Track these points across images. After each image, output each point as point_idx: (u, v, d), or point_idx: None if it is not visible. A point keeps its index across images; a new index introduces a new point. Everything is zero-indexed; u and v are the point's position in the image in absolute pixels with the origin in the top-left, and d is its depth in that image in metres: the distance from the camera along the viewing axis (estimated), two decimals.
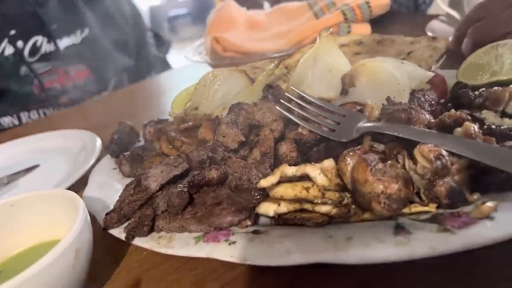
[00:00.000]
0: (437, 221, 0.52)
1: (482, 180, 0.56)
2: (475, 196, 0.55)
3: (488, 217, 0.50)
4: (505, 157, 0.52)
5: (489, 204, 0.51)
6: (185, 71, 2.03)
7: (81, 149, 1.20)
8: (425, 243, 0.49)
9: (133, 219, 0.67)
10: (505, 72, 0.77)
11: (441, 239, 0.49)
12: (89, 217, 0.65)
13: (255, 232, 0.61)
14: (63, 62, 2.08)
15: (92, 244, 0.64)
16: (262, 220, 0.67)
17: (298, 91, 0.81)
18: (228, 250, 0.58)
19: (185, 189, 0.64)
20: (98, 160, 1.05)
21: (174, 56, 2.98)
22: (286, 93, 0.82)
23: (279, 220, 0.63)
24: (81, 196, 0.68)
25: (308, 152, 0.74)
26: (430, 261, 0.49)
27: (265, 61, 1.13)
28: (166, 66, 2.63)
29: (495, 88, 0.70)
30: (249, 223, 0.63)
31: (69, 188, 0.86)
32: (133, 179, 0.74)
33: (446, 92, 0.80)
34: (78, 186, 0.94)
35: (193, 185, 0.64)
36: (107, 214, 0.69)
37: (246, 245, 0.58)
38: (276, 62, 0.92)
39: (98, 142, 1.17)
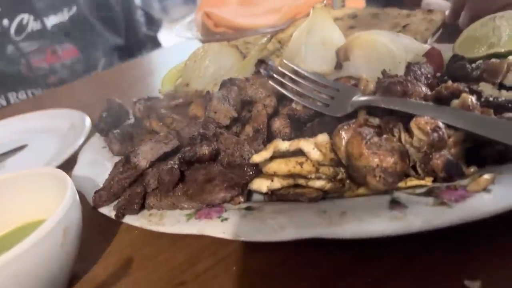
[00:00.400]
0: (433, 195, 0.51)
1: (479, 153, 0.55)
2: (472, 169, 0.54)
3: (485, 189, 0.49)
4: (502, 128, 0.51)
5: (486, 176, 0.50)
6: (176, 49, 1.99)
7: (70, 129, 1.17)
8: (420, 216, 0.48)
9: (123, 197, 0.66)
10: (502, 44, 0.75)
11: (437, 213, 0.48)
12: (77, 196, 0.63)
13: (248, 208, 0.60)
14: (50, 41, 2.03)
15: (81, 223, 0.62)
16: (256, 197, 0.66)
17: (292, 66, 0.79)
18: (220, 227, 0.56)
19: (176, 166, 0.62)
20: (87, 139, 1.03)
21: (165, 35, 2.92)
22: (279, 68, 0.80)
23: (273, 196, 0.62)
24: (70, 176, 0.66)
25: (302, 128, 0.73)
26: (426, 236, 0.48)
27: (258, 36, 1.11)
28: (157, 45, 2.58)
29: (493, 60, 0.68)
30: (242, 200, 0.62)
31: (58, 168, 0.84)
32: (123, 157, 0.72)
33: (442, 65, 0.78)
34: (67, 165, 0.92)
35: (184, 162, 0.62)
36: (96, 192, 0.68)
37: (239, 221, 0.56)
38: (268, 36, 0.89)
39: (88, 121, 1.14)
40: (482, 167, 0.54)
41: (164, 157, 0.69)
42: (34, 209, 0.68)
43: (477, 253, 0.51)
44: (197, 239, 0.63)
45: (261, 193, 0.63)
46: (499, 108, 0.57)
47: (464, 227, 0.47)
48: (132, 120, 1.00)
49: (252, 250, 0.60)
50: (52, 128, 1.23)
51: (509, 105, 0.58)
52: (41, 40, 1.98)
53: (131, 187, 0.67)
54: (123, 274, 0.63)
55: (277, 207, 0.58)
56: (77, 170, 0.84)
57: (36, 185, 0.69)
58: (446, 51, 0.83)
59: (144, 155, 0.66)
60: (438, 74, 0.77)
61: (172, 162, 0.63)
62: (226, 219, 0.58)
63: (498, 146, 0.53)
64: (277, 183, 0.60)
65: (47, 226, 0.54)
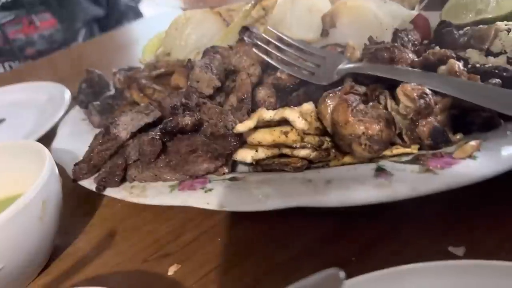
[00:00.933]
0: (419, 162, 0.50)
1: (465, 120, 0.54)
2: (458, 136, 0.53)
3: (471, 156, 0.48)
4: (489, 94, 0.50)
5: (472, 143, 0.49)
6: (157, 19, 1.93)
7: (48, 102, 1.14)
8: (406, 184, 0.47)
9: (103, 169, 0.64)
10: (490, 10, 0.74)
11: (423, 180, 0.47)
12: (56, 168, 0.61)
13: (232, 179, 0.59)
14: (27, 11, 1.95)
15: (61, 196, 0.61)
16: (240, 167, 0.65)
17: (277, 33, 0.77)
18: (204, 198, 0.55)
19: (157, 137, 0.60)
20: (67, 112, 1.00)
21: (147, 6, 2.83)
22: (263, 35, 0.78)
23: (258, 167, 0.61)
24: (50, 150, 0.64)
25: (287, 97, 0.71)
26: (412, 203, 0.48)
27: (241, 2, 1.07)
28: (138, 15, 2.51)
29: (480, 26, 0.67)
30: (226, 170, 0.61)
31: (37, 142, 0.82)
32: (102, 128, 0.70)
33: (429, 33, 0.77)
34: (47, 139, 0.90)
35: (165, 132, 0.60)
36: (75, 164, 0.66)
37: (223, 192, 0.55)
38: (252, 3, 0.86)
39: (67, 93, 1.11)
40: (468, 134, 0.54)
41: (146, 128, 0.67)
42: (12, 183, 0.66)
43: (462, 220, 0.51)
44: (181, 211, 0.62)
45: (245, 163, 0.61)
46: (486, 74, 0.57)
47: (449, 194, 0.46)
48: (112, 91, 0.97)
49: (237, 220, 0.60)
50: (31, 102, 1.19)
51: (496, 71, 0.57)
52: (17, 10, 1.90)
53: (112, 159, 0.65)
54: (106, 246, 0.62)
55: (262, 177, 0.57)
56: (57, 143, 0.82)
57: (13, 159, 0.66)
58: (434, 18, 0.81)
59: (125, 125, 0.64)
60: (426, 41, 0.76)
61: (153, 133, 0.61)
62: (210, 190, 0.57)
63: (484, 113, 0.53)
64: (261, 153, 0.59)
65: (25, 199, 0.52)
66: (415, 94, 0.51)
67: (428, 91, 0.52)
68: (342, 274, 0.30)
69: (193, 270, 0.54)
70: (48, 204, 0.56)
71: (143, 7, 2.65)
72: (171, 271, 0.55)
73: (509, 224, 0.49)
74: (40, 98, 1.18)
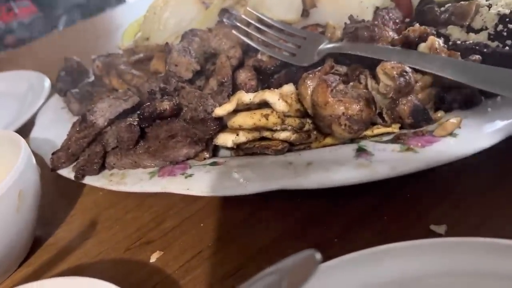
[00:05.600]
0: (400, 141, 0.50)
1: (446, 97, 0.54)
2: (439, 114, 0.53)
3: (451, 134, 0.48)
4: (469, 71, 0.50)
5: (453, 120, 0.49)
6: (139, 4, 1.89)
7: (28, 91, 1.11)
8: (386, 163, 0.47)
9: (82, 158, 0.63)
10: None
11: (404, 159, 0.47)
12: (33, 157, 0.60)
13: (213, 164, 0.58)
14: None
15: (39, 186, 0.59)
16: (222, 152, 0.64)
17: (257, 14, 0.75)
18: (184, 183, 0.54)
19: (135, 123, 0.59)
20: (47, 101, 0.98)
21: None
22: (243, 17, 0.76)
23: (239, 151, 0.60)
24: (29, 140, 0.63)
25: (268, 79, 0.70)
26: (393, 182, 0.48)
27: None
28: (120, 1, 2.45)
29: (461, 2, 0.66)
30: (207, 155, 0.60)
31: (16, 132, 0.80)
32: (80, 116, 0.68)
33: (411, 10, 0.76)
34: (26, 129, 0.88)
35: (144, 118, 0.59)
36: (53, 153, 0.64)
37: (204, 177, 0.55)
38: None
39: (47, 82, 1.09)
40: (449, 111, 0.53)
41: (125, 115, 0.66)
42: None
43: (443, 198, 0.51)
44: (163, 198, 0.62)
45: (226, 148, 0.61)
46: (466, 51, 0.56)
47: (430, 172, 0.46)
48: (92, 78, 0.94)
49: (219, 206, 0.59)
50: (10, 91, 1.17)
51: (477, 47, 0.56)
52: None
53: (90, 146, 0.63)
54: (88, 235, 0.62)
55: (243, 161, 0.56)
56: (35, 132, 0.80)
57: None
58: None
59: (102, 112, 0.63)
60: (407, 20, 0.75)
61: (131, 119, 0.60)
62: (190, 175, 0.56)
63: (465, 90, 0.52)
64: (242, 137, 0.58)
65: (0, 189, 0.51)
66: (394, 73, 0.50)
67: (408, 69, 0.51)
68: (318, 255, 0.29)
69: (176, 257, 0.53)
70: (25, 195, 0.54)
71: None
72: (153, 258, 0.54)
73: (490, 202, 0.49)
74: (20, 87, 1.16)
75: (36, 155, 0.64)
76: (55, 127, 0.80)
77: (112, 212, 0.64)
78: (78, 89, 0.85)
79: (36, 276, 0.57)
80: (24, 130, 0.88)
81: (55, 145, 0.72)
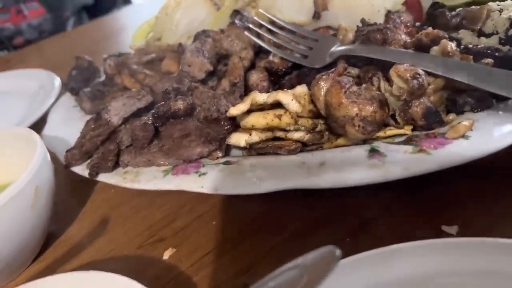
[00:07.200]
0: (412, 143, 0.50)
1: (458, 100, 0.54)
2: (451, 116, 0.53)
3: (464, 136, 0.49)
4: (481, 74, 0.50)
5: (465, 123, 0.49)
6: (147, 5, 1.91)
7: (39, 89, 1.12)
8: (399, 164, 0.47)
9: (96, 155, 0.63)
10: None
11: (416, 160, 0.47)
12: (48, 154, 0.61)
13: (226, 163, 0.59)
14: (15, 0, 1.91)
15: (53, 183, 0.60)
16: (234, 152, 0.64)
17: (269, 16, 0.76)
18: (198, 181, 0.55)
19: (150, 122, 0.60)
20: (57, 99, 0.99)
21: None
22: (255, 18, 0.77)
23: (251, 151, 0.61)
24: (41, 137, 0.63)
25: (280, 81, 0.70)
26: (406, 183, 0.48)
27: None
28: (127, 2, 2.47)
29: (472, 7, 0.67)
30: (220, 154, 0.61)
31: None
32: (94, 114, 0.69)
33: (422, 14, 0.77)
34: (38, 127, 0.89)
35: (158, 117, 0.60)
36: (67, 151, 0.65)
37: (217, 176, 0.55)
38: None
39: (57, 81, 1.10)
40: (461, 114, 0.54)
41: (138, 114, 0.67)
42: (4, 171, 0.65)
43: (455, 199, 0.52)
44: (175, 196, 0.62)
45: (239, 147, 0.61)
46: (478, 55, 0.56)
47: (442, 174, 0.47)
48: (103, 77, 0.95)
49: (231, 204, 0.60)
50: (21, 90, 1.17)
51: (488, 51, 0.57)
52: None
53: (104, 144, 0.64)
54: (100, 233, 0.62)
55: (255, 160, 0.57)
56: (48, 130, 0.81)
57: (4, 146, 0.66)
58: (426, 1, 0.80)
59: (116, 111, 0.63)
60: (418, 23, 0.75)
61: (145, 118, 0.61)
62: (204, 174, 0.57)
63: (477, 93, 0.53)
64: (255, 137, 0.58)
65: (17, 186, 0.51)
66: (408, 75, 0.51)
67: (421, 71, 0.52)
68: (338, 251, 0.30)
69: (188, 254, 0.54)
70: (41, 191, 0.55)
71: None
72: (166, 255, 0.55)
73: (501, 204, 0.50)
74: (31, 86, 1.16)
75: (49, 152, 0.65)
76: (67, 125, 0.81)
77: (124, 210, 0.65)
78: (89, 88, 0.86)
79: (49, 271, 0.57)
80: (35, 128, 0.88)
81: (67, 142, 0.73)
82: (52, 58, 1.50)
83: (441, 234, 0.47)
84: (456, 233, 0.47)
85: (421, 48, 0.57)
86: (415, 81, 0.51)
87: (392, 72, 0.53)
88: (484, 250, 0.39)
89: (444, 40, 0.55)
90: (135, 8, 2.17)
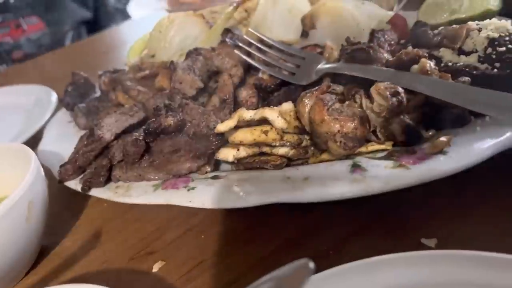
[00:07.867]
0: (393, 158, 0.52)
1: (437, 117, 0.56)
2: (430, 132, 0.55)
3: (442, 151, 0.50)
4: (458, 92, 0.52)
5: (443, 138, 0.51)
6: (144, 21, 1.93)
7: (35, 104, 1.14)
8: (380, 179, 0.49)
9: (88, 170, 0.65)
10: (463, 10, 0.76)
11: (396, 175, 0.49)
12: (42, 169, 0.62)
13: (214, 177, 0.61)
14: (14, 15, 1.94)
15: (47, 198, 0.62)
16: (223, 166, 0.66)
17: (258, 34, 0.78)
18: (187, 196, 0.57)
19: (141, 137, 0.62)
20: (54, 114, 1.01)
21: (134, 8, 2.83)
22: (245, 37, 0.79)
23: (239, 165, 0.62)
24: (36, 152, 0.65)
25: (269, 97, 0.73)
26: (387, 198, 0.50)
27: (224, 5, 1.08)
28: (126, 17, 2.50)
29: (453, 26, 0.69)
30: (209, 169, 0.62)
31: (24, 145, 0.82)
32: (88, 130, 0.71)
33: (407, 32, 0.79)
34: (34, 142, 0.90)
35: (149, 133, 0.62)
36: (61, 166, 0.67)
37: (205, 190, 0.57)
38: (234, 5, 0.88)
39: (54, 96, 1.12)
40: (440, 130, 0.56)
41: (130, 130, 0.69)
42: None
43: (433, 213, 0.53)
44: (166, 210, 0.64)
45: (227, 162, 0.63)
46: (457, 72, 0.59)
47: (422, 189, 0.49)
48: (98, 93, 0.98)
49: (220, 218, 0.61)
50: (17, 105, 1.19)
51: (467, 69, 0.59)
52: (4, 13, 1.90)
53: (97, 160, 0.66)
54: (93, 246, 0.64)
55: (243, 175, 0.59)
56: (43, 145, 0.83)
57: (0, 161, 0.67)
58: (412, 17, 0.83)
59: (109, 127, 0.66)
60: (403, 41, 0.78)
61: (137, 134, 0.63)
62: (192, 188, 0.58)
63: (455, 110, 0.55)
64: (243, 152, 0.60)
65: (11, 200, 0.53)
66: (388, 93, 0.53)
67: (400, 89, 0.54)
68: (311, 264, 0.31)
69: (177, 267, 0.56)
70: (34, 205, 0.57)
71: (131, 9, 2.65)
72: (156, 268, 0.56)
73: (478, 218, 0.51)
74: (27, 101, 1.18)
75: (44, 167, 0.66)
76: (62, 140, 0.83)
77: (116, 223, 0.67)
78: (85, 103, 0.88)
79: (42, 284, 0.59)
80: (32, 142, 0.90)
81: (62, 157, 0.75)
82: (51, 73, 1.53)
83: (421, 247, 0.49)
84: (435, 245, 0.49)
85: (402, 66, 0.59)
86: (394, 99, 0.53)
87: (373, 90, 0.55)
88: (461, 263, 0.40)
89: (423, 59, 0.57)
90: (134, 23, 2.20)
